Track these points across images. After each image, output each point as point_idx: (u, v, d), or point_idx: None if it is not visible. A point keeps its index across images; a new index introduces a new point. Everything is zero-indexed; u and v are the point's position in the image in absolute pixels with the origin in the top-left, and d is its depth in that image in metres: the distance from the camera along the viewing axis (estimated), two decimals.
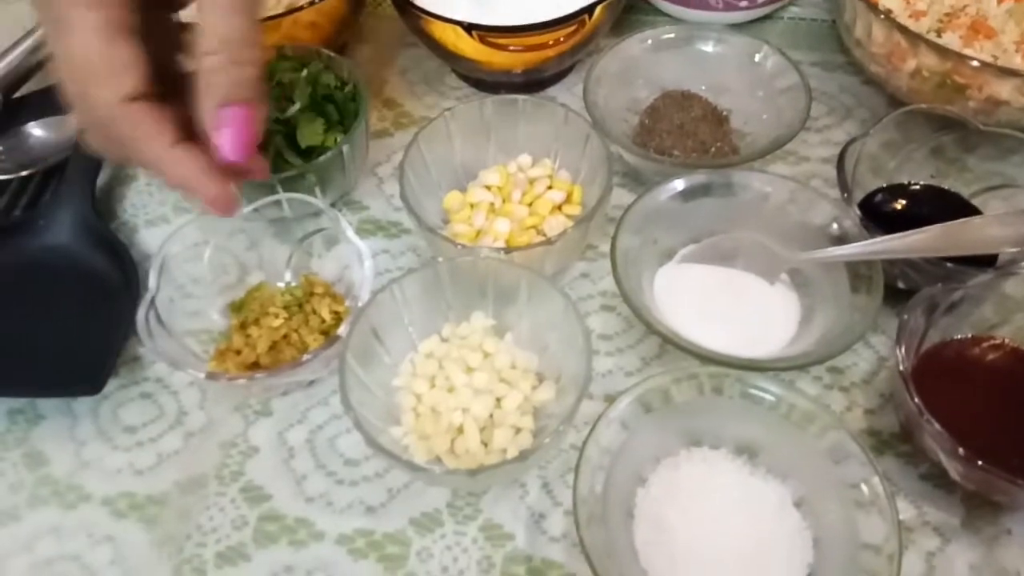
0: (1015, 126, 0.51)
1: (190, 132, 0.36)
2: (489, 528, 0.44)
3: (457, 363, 0.47)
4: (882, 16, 0.53)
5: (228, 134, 0.34)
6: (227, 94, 0.34)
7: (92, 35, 0.33)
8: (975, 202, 0.52)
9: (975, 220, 0.44)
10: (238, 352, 0.46)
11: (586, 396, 0.41)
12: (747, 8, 0.64)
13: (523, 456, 0.40)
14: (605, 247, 0.51)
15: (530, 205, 0.53)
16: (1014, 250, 0.43)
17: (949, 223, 0.43)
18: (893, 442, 0.46)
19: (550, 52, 0.56)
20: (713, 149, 0.56)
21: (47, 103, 0.61)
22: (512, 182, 0.53)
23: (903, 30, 0.52)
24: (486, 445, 0.44)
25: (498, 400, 0.46)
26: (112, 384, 0.49)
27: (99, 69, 0.33)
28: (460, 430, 0.44)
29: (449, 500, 0.45)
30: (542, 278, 0.46)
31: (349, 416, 0.40)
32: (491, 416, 0.45)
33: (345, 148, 0.51)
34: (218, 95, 0.34)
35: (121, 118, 0.34)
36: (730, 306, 0.48)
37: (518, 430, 0.45)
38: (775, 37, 0.65)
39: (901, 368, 0.41)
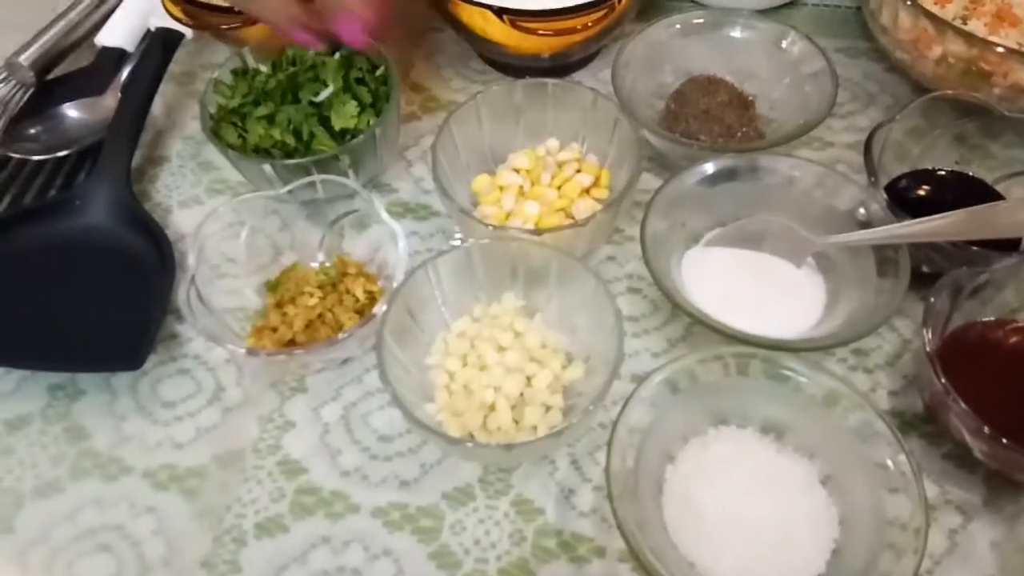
0: None
1: None
2: (520, 503, 0.45)
3: (489, 342, 0.48)
4: (909, 3, 0.53)
5: (344, 31, 0.48)
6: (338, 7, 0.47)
7: None
8: (999, 188, 0.53)
9: (1001, 205, 0.45)
10: (274, 330, 0.47)
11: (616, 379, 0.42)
12: None
13: (558, 432, 0.41)
14: (632, 230, 0.52)
15: (559, 188, 0.53)
16: None
17: (974, 207, 0.44)
18: (916, 423, 0.46)
19: (578, 36, 0.57)
20: (739, 134, 0.56)
21: (81, 84, 0.63)
22: (541, 165, 0.54)
23: (930, 16, 0.52)
24: (517, 422, 0.45)
25: (528, 378, 0.46)
26: (150, 361, 0.50)
27: None
28: (492, 407, 0.45)
29: (481, 475, 0.46)
30: (573, 259, 0.47)
31: (388, 391, 0.41)
32: (522, 394, 0.46)
33: (377, 130, 0.51)
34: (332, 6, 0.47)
35: None
36: (756, 289, 0.49)
37: (548, 408, 0.46)
38: (800, 23, 0.65)
39: (928, 349, 0.42)
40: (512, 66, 0.63)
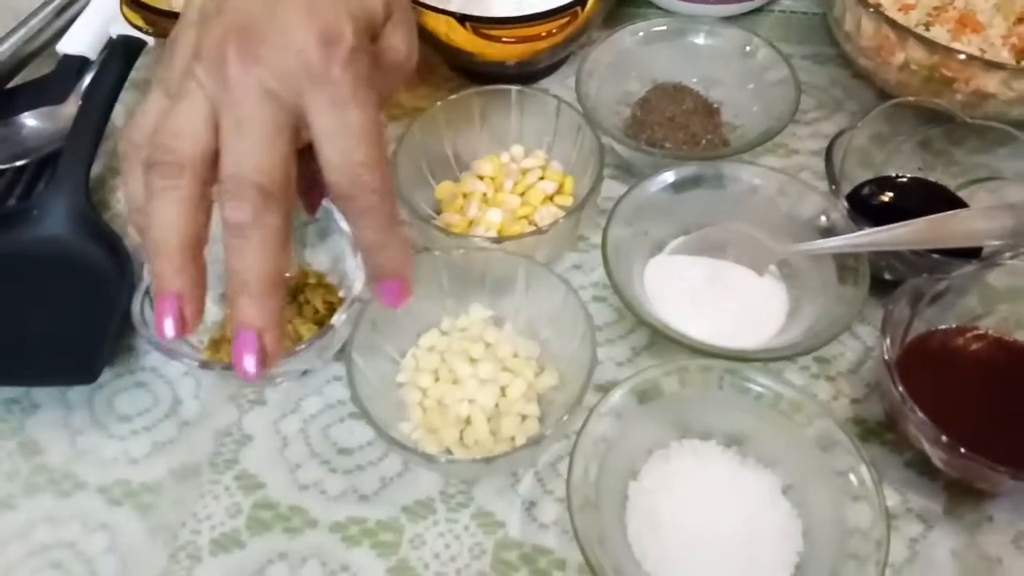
0: (1002, 119, 0.52)
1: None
2: (481, 516, 0.44)
3: (460, 355, 0.47)
4: (871, 10, 0.53)
5: (384, 296, 0.40)
6: (379, 275, 0.39)
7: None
8: (962, 194, 0.53)
9: (960, 213, 0.45)
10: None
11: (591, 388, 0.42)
12: (739, 1, 0.65)
13: (536, 440, 0.41)
14: (597, 238, 0.52)
15: (522, 195, 0.53)
16: (997, 243, 0.44)
17: (934, 216, 0.44)
18: (878, 430, 0.46)
19: (543, 44, 0.57)
20: (704, 141, 0.56)
21: (42, 92, 0.62)
22: (504, 172, 0.54)
23: (892, 23, 0.52)
24: (494, 434, 0.45)
25: (503, 389, 0.46)
26: (107, 374, 0.49)
27: (252, 147, 0.35)
28: (468, 421, 0.45)
29: (442, 488, 0.45)
30: (541, 266, 0.47)
31: (360, 411, 0.41)
32: (497, 405, 0.46)
33: None
34: (373, 277, 0.40)
35: (257, 205, 0.34)
36: (719, 297, 0.49)
37: (525, 417, 0.45)
38: (766, 30, 0.66)
39: (886, 357, 0.42)
40: (479, 73, 0.63)
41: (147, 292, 0.45)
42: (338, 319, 0.44)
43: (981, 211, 0.45)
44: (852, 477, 0.39)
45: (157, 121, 0.36)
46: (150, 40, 0.61)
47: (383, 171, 0.37)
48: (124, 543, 0.44)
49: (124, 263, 0.51)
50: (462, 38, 0.55)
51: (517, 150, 0.56)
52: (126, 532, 0.44)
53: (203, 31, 0.36)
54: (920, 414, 0.40)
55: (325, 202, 0.48)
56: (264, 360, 0.35)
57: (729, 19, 0.64)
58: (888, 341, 0.42)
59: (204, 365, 0.44)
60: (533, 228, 0.51)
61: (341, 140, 0.35)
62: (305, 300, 0.48)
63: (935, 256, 0.45)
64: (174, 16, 0.57)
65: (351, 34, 0.36)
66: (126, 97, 0.62)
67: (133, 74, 0.61)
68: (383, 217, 0.37)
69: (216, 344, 0.47)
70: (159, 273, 0.36)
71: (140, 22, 0.58)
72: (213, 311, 0.50)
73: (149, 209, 0.36)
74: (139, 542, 0.44)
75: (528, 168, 0.54)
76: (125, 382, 0.50)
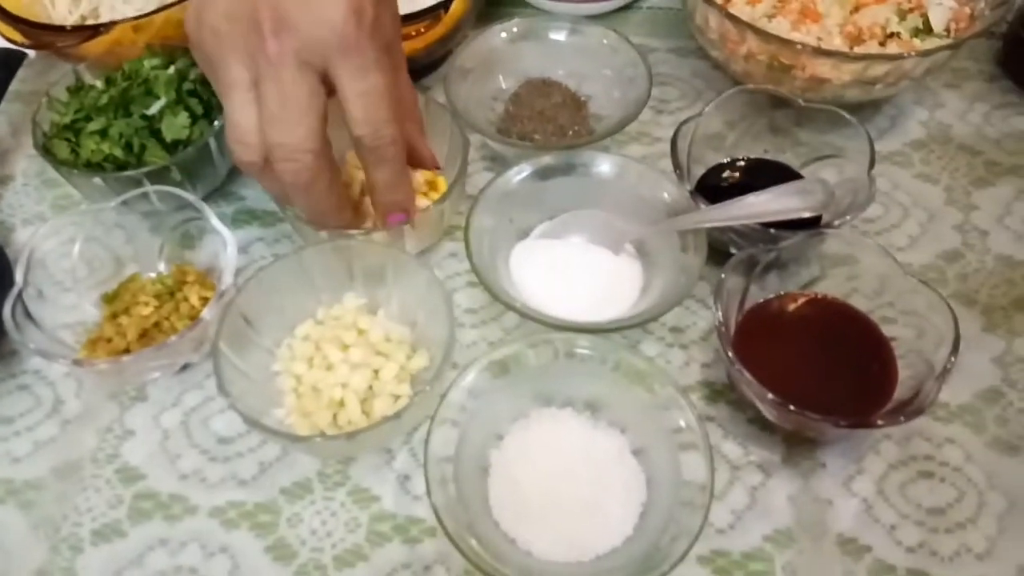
0: (840, 102, 0.57)
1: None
2: (357, 492, 0.47)
3: (333, 342, 0.49)
4: (712, 6, 0.57)
5: (391, 223, 0.49)
6: (390, 209, 0.48)
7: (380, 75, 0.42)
8: (806, 171, 0.57)
9: (778, 189, 0.49)
10: (108, 340, 0.48)
11: (452, 365, 0.45)
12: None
13: (397, 415, 0.43)
14: None
15: None
16: (811, 214, 0.48)
17: (758, 193, 0.48)
18: (725, 391, 0.50)
19: (416, 44, 0.59)
20: (571, 132, 0.60)
21: None
22: None
23: (731, 17, 0.56)
24: (367, 415, 0.47)
25: (375, 372, 0.48)
26: None
27: (298, 118, 0.41)
28: (341, 403, 0.47)
29: (319, 469, 0.48)
30: (404, 255, 0.49)
31: (225, 399, 0.43)
32: (370, 387, 0.48)
33: (211, 140, 0.53)
34: (384, 210, 0.49)
35: (313, 165, 0.43)
36: (580, 277, 0.52)
37: (397, 397, 0.48)
38: (634, 26, 0.69)
39: (717, 323, 0.45)
40: None
41: (19, 297, 0.47)
42: (208, 312, 0.46)
43: (796, 186, 0.49)
44: (687, 433, 0.43)
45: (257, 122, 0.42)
46: (31, 52, 0.62)
47: (400, 126, 0.44)
48: (5, 539, 0.45)
49: (5, 271, 0.52)
50: None
51: None
52: (7, 529, 0.46)
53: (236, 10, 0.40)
54: (747, 374, 0.44)
55: (199, 203, 0.50)
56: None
57: (597, 17, 0.67)
58: (721, 308, 0.46)
59: (76, 363, 0.45)
60: None
61: (366, 101, 0.42)
62: (183, 297, 0.50)
63: (772, 231, 0.49)
64: (51, 28, 0.58)
65: (371, 6, 0.41)
66: (9, 109, 0.63)
67: (14, 86, 0.62)
68: (399, 163, 0.45)
69: (93, 343, 0.49)
70: (346, 224, 0.49)
71: (16, 36, 0.58)
72: (94, 313, 0.51)
73: (296, 201, 0.46)
74: (21, 537, 0.45)
75: None
76: (8, 385, 0.51)
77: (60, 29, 0.57)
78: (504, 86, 0.63)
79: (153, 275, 0.53)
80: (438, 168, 0.54)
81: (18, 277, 0.47)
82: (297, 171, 0.43)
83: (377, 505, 0.47)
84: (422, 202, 0.55)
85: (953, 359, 0.44)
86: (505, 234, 0.53)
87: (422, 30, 0.58)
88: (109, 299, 0.51)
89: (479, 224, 0.51)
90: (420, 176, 0.56)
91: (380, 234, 0.50)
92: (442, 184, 0.57)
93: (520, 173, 0.53)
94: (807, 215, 0.47)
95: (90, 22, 0.62)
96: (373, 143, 0.44)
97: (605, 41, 0.61)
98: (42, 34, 0.58)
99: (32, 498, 0.47)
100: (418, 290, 0.49)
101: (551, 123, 0.60)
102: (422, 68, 0.66)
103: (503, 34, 0.61)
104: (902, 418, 0.42)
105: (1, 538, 0.45)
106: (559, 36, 0.62)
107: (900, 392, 0.46)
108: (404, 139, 0.46)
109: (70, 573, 0.44)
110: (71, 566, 0.44)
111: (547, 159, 0.53)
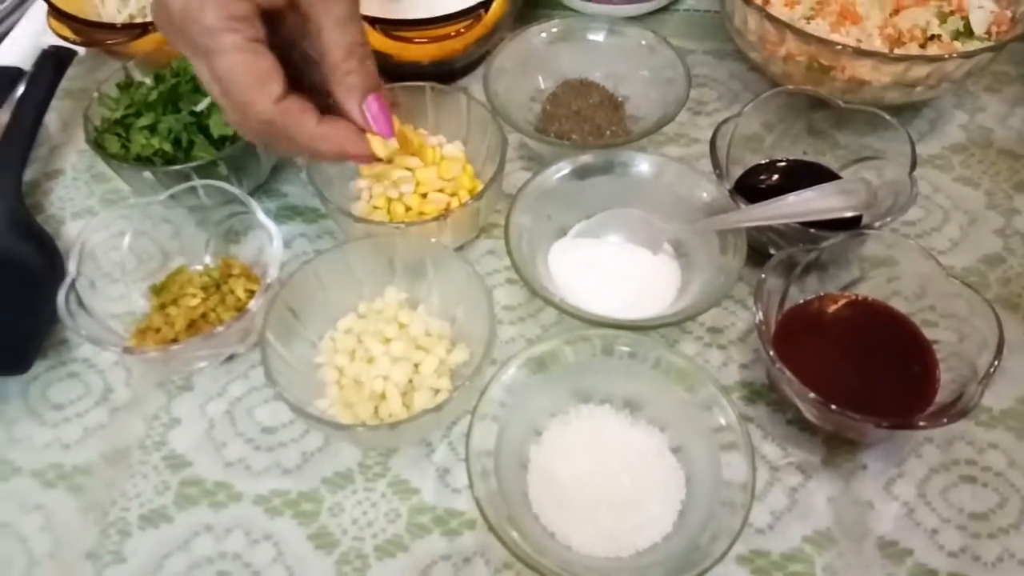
0: (879, 104, 0.57)
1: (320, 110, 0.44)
2: (397, 484, 0.48)
3: (374, 336, 0.50)
4: (752, 7, 0.57)
5: (378, 118, 0.44)
6: (364, 89, 0.44)
7: (238, 54, 0.39)
8: (846, 173, 0.57)
9: (820, 189, 0.49)
10: (157, 330, 0.49)
11: (491, 361, 0.45)
12: (643, 1, 0.69)
13: (437, 408, 0.44)
14: None
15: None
16: (853, 214, 0.48)
17: (798, 193, 0.48)
18: (764, 392, 0.50)
19: (456, 44, 0.60)
20: (608, 132, 0.60)
21: None
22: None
23: (770, 18, 0.56)
24: (408, 408, 0.48)
25: (416, 366, 0.49)
26: (41, 366, 0.52)
27: (250, 80, 0.40)
28: (382, 396, 0.48)
29: (360, 460, 0.48)
30: (444, 248, 0.50)
31: (273, 388, 0.43)
32: (411, 381, 0.48)
33: None
34: (359, 93, 0.44)
35: (276, 116, 0.41)
36: (617, 275, 0.53)
37: (437, 391, 0.48)
38: (671, 28, 0.70)
39: (758, 322, 0.46)
40: (398, 73, 0.66)
41: (72, 286, 0.48)
42: (255, 304, 0.47)
43: (839, 186, 0.49)
44: (727, 432, 0.43)
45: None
46: (80, 50, 0.64)
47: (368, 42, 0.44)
48: (57, 522, 0.46)
49: (56, 262, 0.54)
50: (375, 40, 0.58)
51: (434, 141, 0.59)
52: (58, 511, 0.47)
53: None
54: (788, 373, 0.44)
55: (245, 198, 0.52)
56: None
57: (635, 18, 0.67)
58: (762, 308, 0.46)
59: (126, 351, 0.46)
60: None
61: (342, 27, 0.42)
62: (229, 290, 0.51)
63: (812, 231, 0.50)
64: (102, 26, 0.60)
65: None
66: (60, 105, 0.64)
67: (64, 83, 0.64)
68: (371, 66, 0.44)
69: (142, 333, 0.50)
70: (358, 155, 0.45)
71: (68, 33, 0.60)
72: (143, 304, 0.53)
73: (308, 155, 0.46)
74: (72, 520, 0.46)
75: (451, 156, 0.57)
76: (59, 373, 0.52)
77: (111, 27, 0.59)
78: (542, 86, 0.63)
79: (200, 268, 0.54)
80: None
81: (71, 267, 0.49)
82: (273, 134, 0.42)
83: (417, 497, 0.47)
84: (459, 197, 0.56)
85: (996, 363, 0.43)
86: (543, 232, 0.54)
87: (462, 30, 0.59)
88: (157, 290, 0.52)
89: (518, 222, 0.51)
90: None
91: (416, 227, 0.51)
92: (471, 178, 0.57)
93: (559, 171, 0.53)
94: (849, 214, 0.47)
95: (139, 20, 0.64)
96: (348, 60, 0.43)
97: (643, 42, 0.61)
98: (93, 32, 0.60)
99: (82, 483, 0.48)
100: (458, 285, 0.50)
101: (588, 123, 0.60)
102: (461, 68, 0.67)
103: (542, 35, 0.62)
104: (945, 420, 0.42)
105: (52, 520, 0.47)
106: (597, 37, 0.62)
107: (942, 395, 0.46)
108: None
109: (119, 557, 0.45)
110: (119, 549, 0.45)
111: (586, 158, 0.53)
